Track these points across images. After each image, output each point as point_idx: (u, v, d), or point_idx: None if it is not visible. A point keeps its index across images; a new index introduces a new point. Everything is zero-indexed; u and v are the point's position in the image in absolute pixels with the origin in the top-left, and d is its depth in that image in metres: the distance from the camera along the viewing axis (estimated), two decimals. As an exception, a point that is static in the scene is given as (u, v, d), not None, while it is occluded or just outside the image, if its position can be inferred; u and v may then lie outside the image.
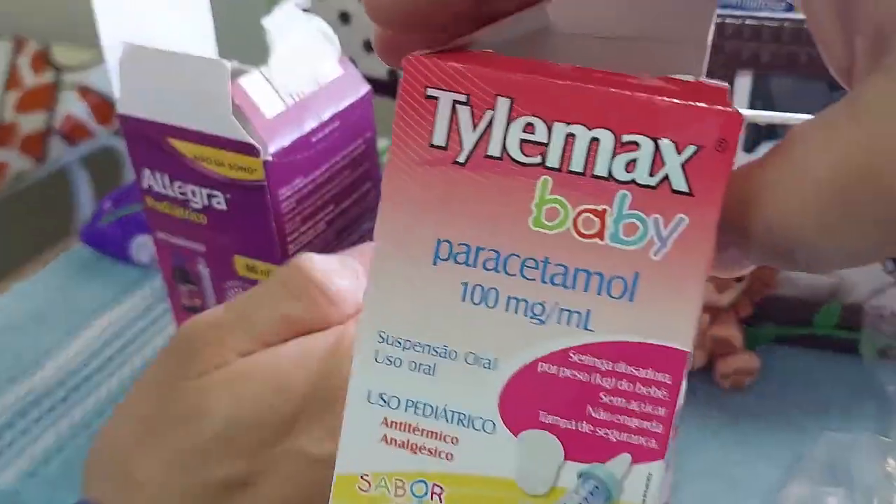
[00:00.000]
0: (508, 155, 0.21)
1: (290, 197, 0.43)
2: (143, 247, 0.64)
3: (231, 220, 0.44)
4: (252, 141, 0.41)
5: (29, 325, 0.60)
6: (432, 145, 0.21)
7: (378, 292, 0.22)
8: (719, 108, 0.20)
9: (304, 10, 0.46)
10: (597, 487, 0.21)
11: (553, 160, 0.21)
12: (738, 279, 0.51)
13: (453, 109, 0.21)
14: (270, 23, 0.43)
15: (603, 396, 0.21)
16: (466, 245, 0.21)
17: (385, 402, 0.22)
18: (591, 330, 0.21)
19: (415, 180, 0.21)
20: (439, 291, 0.22)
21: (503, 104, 0.21)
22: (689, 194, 0.20)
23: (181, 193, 0.44)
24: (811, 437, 0.49)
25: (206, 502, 0.31)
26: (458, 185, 0.21)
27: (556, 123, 0.20)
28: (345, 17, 0.61)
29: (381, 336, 0.22)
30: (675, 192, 0.20)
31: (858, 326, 0.54)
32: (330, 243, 0.46)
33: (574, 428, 0.21)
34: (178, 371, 0.33)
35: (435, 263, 0.21)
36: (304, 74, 0.44)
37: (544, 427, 0.21)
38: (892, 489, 0.46)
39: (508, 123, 0.21)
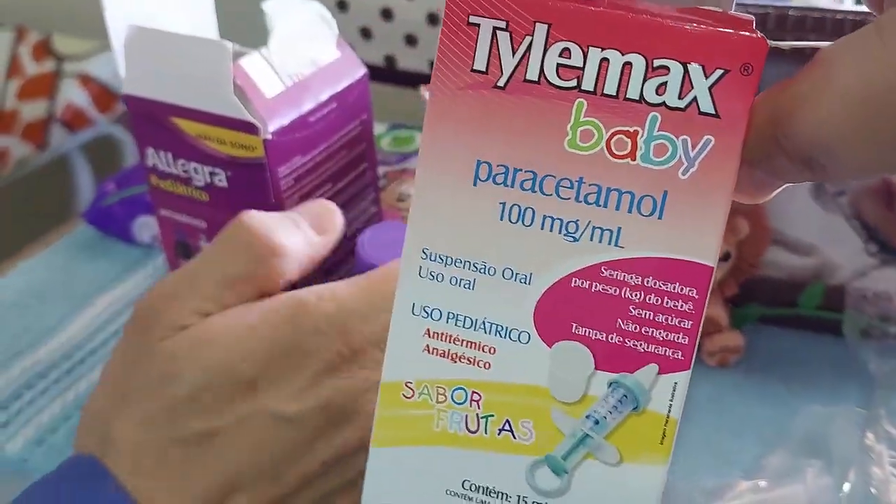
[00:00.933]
0: (546, 79, 0.22)
1: (288, 175, 0.44)
2: (145, 227, 0.65)
3: (232, 196, 0.45)
4: (252, 120, 0.42)
5: (33, 302, 0.61)
6: (473, 70, 0.22)
7: (421, 212, 0.23)
8: (745, 34, 0.21)
9: (304, -5, 0.47)
10: (625, 396, 0.23)
11: (588, 83, 0.22)
12: (725, 258, 0.53)
13: (494, 35, 0.22)
14: (270, 6, 0.45)
15: (632, 309, 0.22)
16: (505, 166, 0.22)
17: (428, 314, 0.23)
18: (621, 247, 0.22)
19: (457, 104, 0.22)
20: (479, 211, 0.23)
21: (541, 30, 0.22)
22: (716, 116, 0.21)
23: (184, 171, 0.45)
24: (795, 413, 0.50)
25: (177, 455, 0.33)
26: (498, 109, 0.22)
27: (592, 48, 0.21)
28: (342, 5, 0.62)
29: (424, 253, 0.23)
30: (702, 114, 0.21)
31: (842, 307, 0.55)
32: (328, 221, 0.48)
33: (604, 339, 0.23)
34: (140, 340, 0.35)
35: (475, 184, 0.23)
36: (303, 56, 0.46)
37: (576, 338, 0.23)
38: (871, 461, 0.47)
39: (546, 48, 0.22)
